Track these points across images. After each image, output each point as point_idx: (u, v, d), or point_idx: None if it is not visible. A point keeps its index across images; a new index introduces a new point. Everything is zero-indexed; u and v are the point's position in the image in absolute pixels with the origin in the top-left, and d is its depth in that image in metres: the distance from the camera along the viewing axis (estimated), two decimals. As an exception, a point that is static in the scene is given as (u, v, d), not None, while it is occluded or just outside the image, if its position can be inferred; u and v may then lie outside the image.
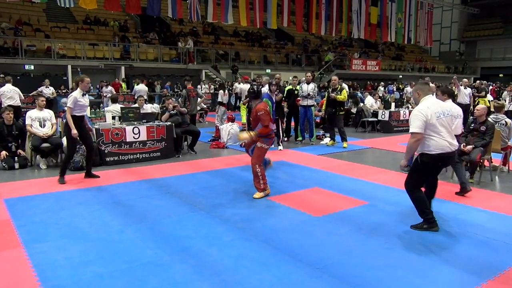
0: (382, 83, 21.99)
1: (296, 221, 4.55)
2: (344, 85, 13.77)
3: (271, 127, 5.41)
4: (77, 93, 6.00)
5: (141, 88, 14.75)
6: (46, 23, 20.99)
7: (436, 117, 4.01)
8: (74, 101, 5.95)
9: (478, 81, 17.59)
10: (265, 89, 10.07)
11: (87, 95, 6.28)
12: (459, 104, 10.59)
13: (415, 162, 4.27)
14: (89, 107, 9.76)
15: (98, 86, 17.36)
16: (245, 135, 5.54)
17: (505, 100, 18.07)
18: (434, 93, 4.83)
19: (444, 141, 4.02)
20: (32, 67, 18.14)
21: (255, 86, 5.90)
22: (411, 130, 4.05)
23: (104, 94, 15.69)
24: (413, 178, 4.27)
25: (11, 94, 10.06)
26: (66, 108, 6.15)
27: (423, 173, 4.27)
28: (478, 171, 6.35)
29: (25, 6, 20.68)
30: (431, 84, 12.23)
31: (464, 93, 11.50)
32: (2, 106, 9.06)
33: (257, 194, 5.43)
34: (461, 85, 11.53)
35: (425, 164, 4.14)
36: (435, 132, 4.01)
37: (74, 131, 5.92)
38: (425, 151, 4.09)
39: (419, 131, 3.99)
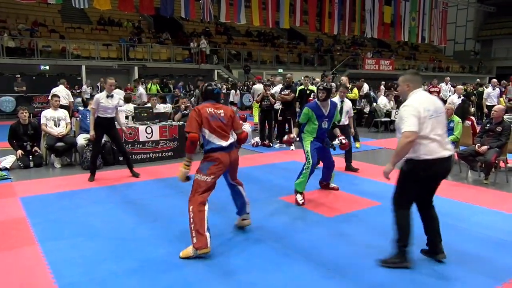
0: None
1: (309, 221, 4.53)
2: (366, 85, 13.69)
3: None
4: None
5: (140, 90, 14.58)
6: (61, 24, 21.30)
7: (429, 116, 3.24)
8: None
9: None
10: (277, 89, 10.04)
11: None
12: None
13: (399, 172, 3.42)
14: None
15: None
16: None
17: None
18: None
19: (434, 144, 3.25)
20: (47, 67, 18.42)
21: None
22: (403, 129, 3.20)
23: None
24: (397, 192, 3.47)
25: (63, 94, 10.31)
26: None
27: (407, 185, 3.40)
28: (493, 172, 6.26)
29: (41, 7, 20.98)
30: None
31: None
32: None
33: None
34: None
35: (409, 173, 3.35)
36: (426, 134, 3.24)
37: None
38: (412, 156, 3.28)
39: (414, 129, 3.18)
